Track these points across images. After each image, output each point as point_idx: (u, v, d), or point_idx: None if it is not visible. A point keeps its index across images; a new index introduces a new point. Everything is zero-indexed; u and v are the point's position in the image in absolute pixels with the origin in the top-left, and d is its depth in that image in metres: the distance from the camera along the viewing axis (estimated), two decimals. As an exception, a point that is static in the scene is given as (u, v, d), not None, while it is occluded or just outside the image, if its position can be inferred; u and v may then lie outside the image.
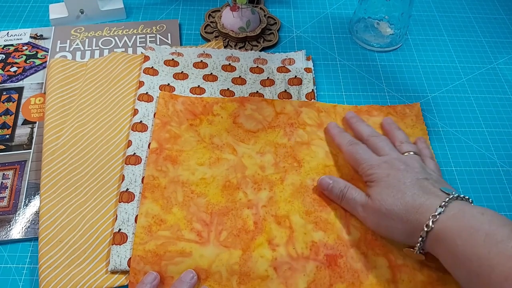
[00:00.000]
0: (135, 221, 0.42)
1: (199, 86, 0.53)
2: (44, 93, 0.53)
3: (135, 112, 0.49)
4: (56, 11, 0.61)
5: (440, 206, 0.35)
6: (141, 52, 0.58)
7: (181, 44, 0.60)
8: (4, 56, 0.57)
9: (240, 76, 0.55)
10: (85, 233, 0.42)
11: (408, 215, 0.36)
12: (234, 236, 0.41)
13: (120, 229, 0.42)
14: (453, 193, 0.37)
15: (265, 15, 0.63)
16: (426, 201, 0.36)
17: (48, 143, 0.47)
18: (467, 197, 0.37)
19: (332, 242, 0.42)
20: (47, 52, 0.58)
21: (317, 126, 0.50)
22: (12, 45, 0.58)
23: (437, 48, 0.63)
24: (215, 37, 0.61)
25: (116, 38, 0.60)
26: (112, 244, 0.41)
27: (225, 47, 0.60)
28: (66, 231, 0.42)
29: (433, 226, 0.35)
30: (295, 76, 0.55)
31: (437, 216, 0.35)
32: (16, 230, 0.43)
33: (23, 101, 0.52)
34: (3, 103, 0.52)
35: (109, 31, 0.60)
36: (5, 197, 0.45)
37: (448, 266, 0.35)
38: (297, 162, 0.47)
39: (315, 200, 0.44)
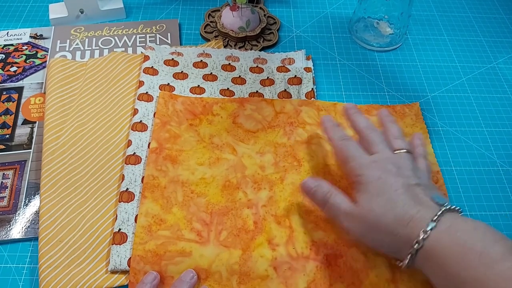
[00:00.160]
0: (135, 220, 0.42)
1: (199, 85, 0.53)
2: (44, 92, 0.53)
3: (135, 111, 0.49)
4: (56, 11, 0.61)
5: (432, 220, 0.33)
6: (141, 52, 0.58)
7: (181, 44, 0.60)
8: (4, 56, 0.57)
9: (240, 76, 0.55)
10: (85, 233, 0.42)
11: (398, 228, 0.34)
12: (234, 236, 0.41)
13: (120, 229, 0.42)
14: (445, 204, 0.35)
15: (264, 15, 0.63)
16: (417, 213, 0.34)
17: (48, 143, 0.47)
18: (458, 207, 0.35)
19: (332, 242, 0.42)
20: (47, 51, 0.58)
21: (317, 125, 0.50)
22: (12, 44, 0.58)
23: (437, 48, 0.63)
24: (215, 36, 0.61)
25: (116, 37, 0.60)
26: (112, 244, 0.41)
27: (225, 46, 0.59)
28: (66, 231, 0.42)
29: (423, 243, 0.33)
30: (295, 75, 0.55)
31: (428, 232, 0.33)
32: (16, 230, 0.43)
33: (23, 101, 0.52)
34: (3, 103, 0.52)
35: (109, 31, 0.60)
36: (5, 197, 0.45)
37: (440, 287, 0.34)
38: (297, 161, 0.47)
39: (315, 199, 0.44)
